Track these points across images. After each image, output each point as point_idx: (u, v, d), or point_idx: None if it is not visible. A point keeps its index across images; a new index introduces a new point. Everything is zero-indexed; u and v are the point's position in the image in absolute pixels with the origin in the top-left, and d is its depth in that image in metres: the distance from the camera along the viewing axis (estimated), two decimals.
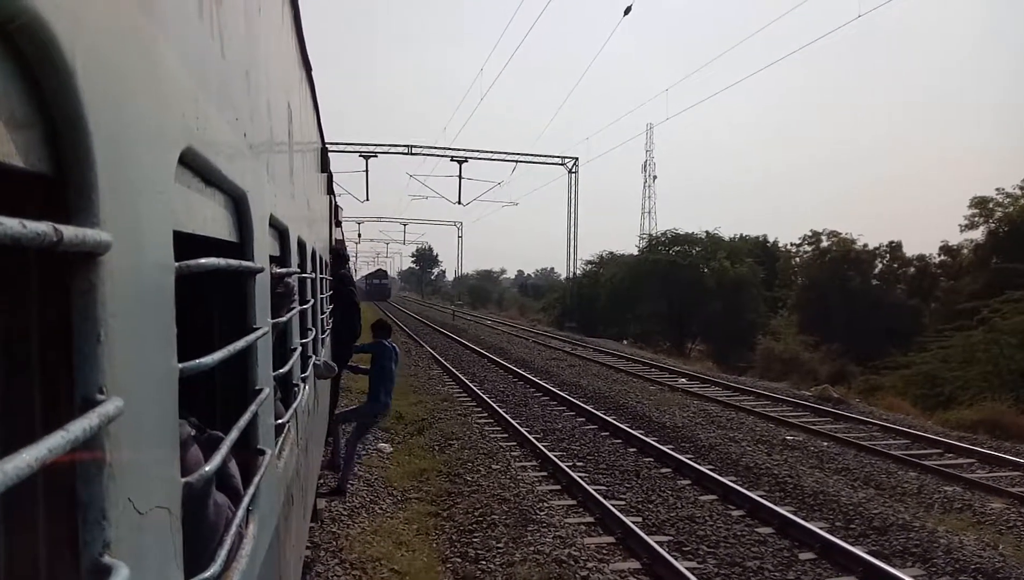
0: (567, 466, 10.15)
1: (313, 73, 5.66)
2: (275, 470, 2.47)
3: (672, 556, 6.89)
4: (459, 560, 6.99)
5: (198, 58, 1.52)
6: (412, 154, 40.86)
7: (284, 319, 3.06)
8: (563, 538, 7.45)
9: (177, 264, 1.25)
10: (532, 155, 43.90)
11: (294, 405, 3.29)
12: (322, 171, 7.97)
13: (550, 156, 44.74)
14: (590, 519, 8.29)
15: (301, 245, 4.23)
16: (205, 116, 1.53)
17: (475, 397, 16.30)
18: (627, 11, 22.29)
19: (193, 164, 1.49)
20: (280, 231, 3.16)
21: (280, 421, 2.81)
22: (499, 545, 7.30)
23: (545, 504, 8.63)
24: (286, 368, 3.05)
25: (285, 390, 3.34)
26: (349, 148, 37.90)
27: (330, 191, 9.79)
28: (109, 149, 0.90)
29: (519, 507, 8.39)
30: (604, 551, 7.31)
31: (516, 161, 42.39)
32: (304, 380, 3.95)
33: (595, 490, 8.94)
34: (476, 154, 41.08)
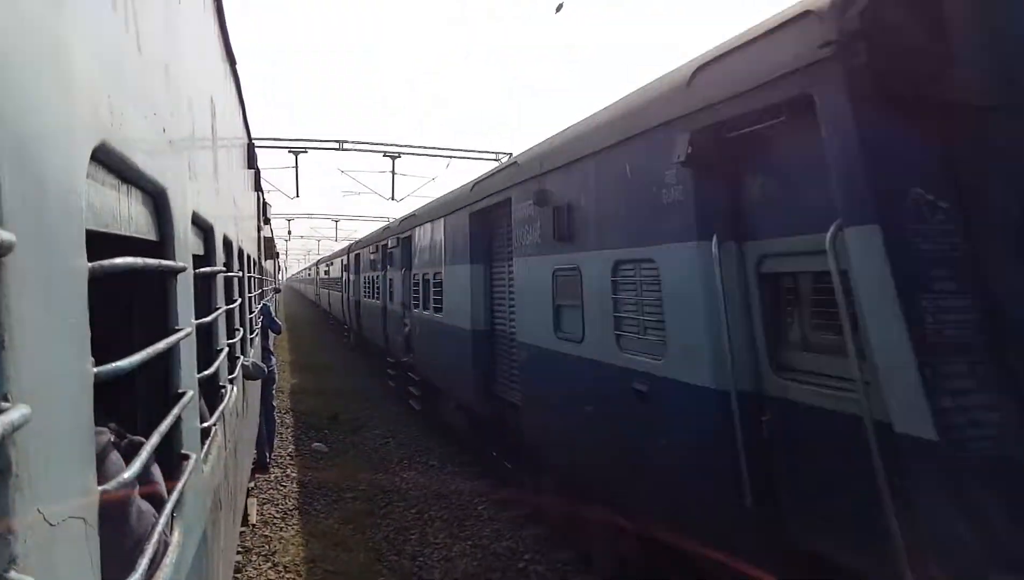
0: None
1: (238, 67, 5.53)
2: (201, 475, 2.41)
3: None
4: (396, 558, 6.95)
5: (111, 53, 1.47)
6: (344, 149, 39.97)
7: (209, 319, 2.98)
8: (500, 531, 7.49)
9: (90, 264, 1.20)
10: (466, 150, 43.49)
11: (220, 407, 3.21)
12: (249, 167, 7.78)
13: (484, 152, 44.42)
14: (527, 510, 8.35)
15: (227, 243, 4.12)
16: (120, 111, 1.48)
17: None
18: (559, 8, 22.52)
19: (107, 160, 1.44)
20: (204, 229, 3.08)
21: (206, 424, 2.74)
22: (436, 541, 7.29)
23: (483, 499, 8.66)
24: (212, 369, 2.97)
25: (212, 392, 3.25)
26: (278, 144, 36.82)
27: (258, 188, 9.57)
28: (12, 145, 0.87)
29: (457, 503, 8.39)
30: (543, 542, 7.38)
31: (450, 157, 42.02)
32: (232, 381, 3.86)
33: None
34: (409, 149, 40.55)
